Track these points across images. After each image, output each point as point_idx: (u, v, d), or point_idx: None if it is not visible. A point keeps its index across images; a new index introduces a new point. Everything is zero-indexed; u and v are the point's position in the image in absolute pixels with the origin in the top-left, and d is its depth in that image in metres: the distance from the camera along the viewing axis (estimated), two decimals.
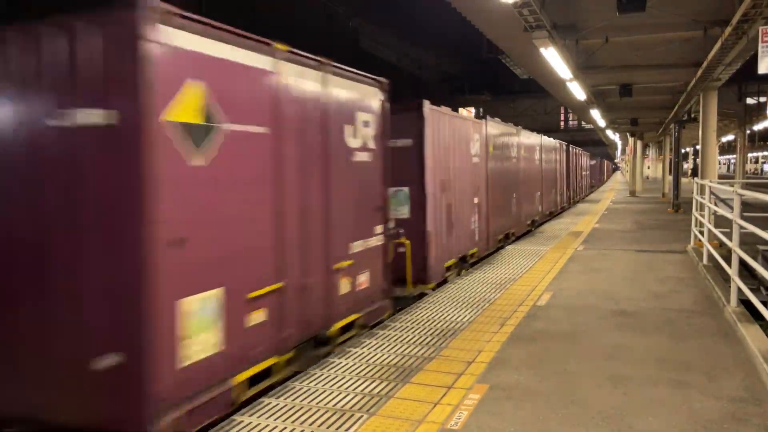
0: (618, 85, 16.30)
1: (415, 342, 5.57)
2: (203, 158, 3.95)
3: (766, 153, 72.37)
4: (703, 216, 9.35)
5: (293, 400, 4.25)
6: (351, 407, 4.10)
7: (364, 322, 6.19)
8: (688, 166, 48.84)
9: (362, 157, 6.17)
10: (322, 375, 4.74)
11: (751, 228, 5.83)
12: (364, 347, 5.43)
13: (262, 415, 4.00)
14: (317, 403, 4.18)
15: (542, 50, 9.89)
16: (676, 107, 20.40)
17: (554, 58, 10.58)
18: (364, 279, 6.17)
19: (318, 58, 5.39)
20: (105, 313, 3.62)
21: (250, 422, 3.89)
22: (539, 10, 8.26)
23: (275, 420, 3.92)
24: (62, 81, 3.72)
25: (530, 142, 16.10)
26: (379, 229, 6.52)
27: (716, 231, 7.98)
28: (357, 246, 6.02)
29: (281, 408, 4.11)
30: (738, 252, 6.10)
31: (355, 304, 5.98)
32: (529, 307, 6.83)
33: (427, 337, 5.70)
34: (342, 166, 5.76)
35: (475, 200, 10.55)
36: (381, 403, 4.16)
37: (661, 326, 5.93)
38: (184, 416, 3.71)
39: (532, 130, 16.72)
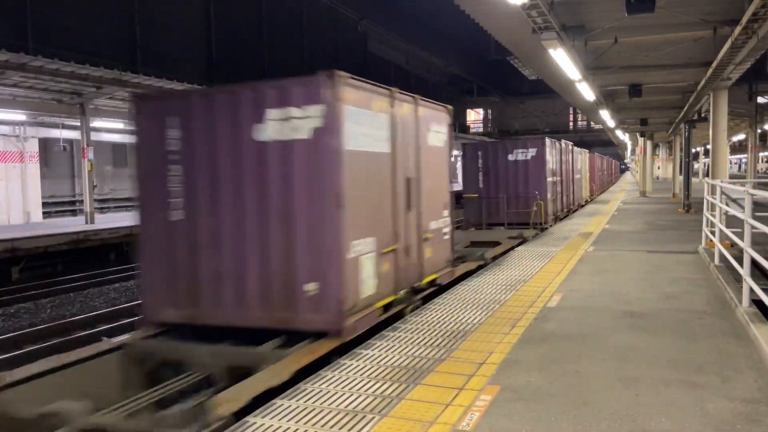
0: (627, 86, 16.26)
1: (425, 343, 5.58)
2: None
3: None
4: (714, 216, 9.31)
5: (305, 401, 4.27)
6: (362, 409, 4.12)
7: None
8: (698, 166, 48.59)
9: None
10: (332, 377, 4.76)
11: (763, 228, 5.80)
12: (374, 348, 5.45)
13: (275, 416, 4.03)
14: (328, 405, 4.20)
15: (551, 51, 9.88)
16: (687, 107, 20.31)
17: (563, 59, 10.57)
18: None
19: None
20: None
21: (263, 423, 3.92)
22: (548, 11, 8.26)
23: (287, 421, 3.94)
24: None
25: None
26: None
27: (728, 231, 7.93)
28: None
29: (293, 409, 4.14)
30: (750, 252, 6.07)
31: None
32: (539, 308, 6.82)
33: (437, 339, 5.71)
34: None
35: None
36: (392, 405, 4.17)
37: (673, 327, 5.91)
38: None
39: (541, 131, 16.63)
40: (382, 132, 6.63)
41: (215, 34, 24.59)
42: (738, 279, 6.94)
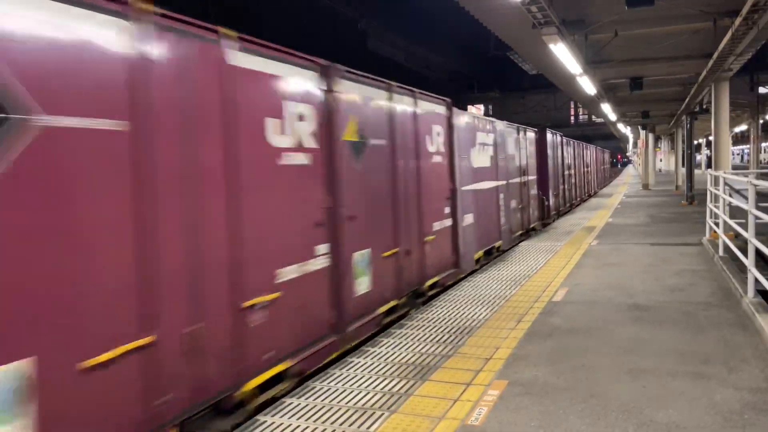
0: (628, 79, 16.25)
1: (432, 340, 5.61)
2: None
3: None
4: (717, 207, 9.31)
5: (314, 399, 4.30)
6: (372, 405, 4.15)
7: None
8: (700, 157, 48.47)
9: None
10: (341, 374, 4.79)
11: (767, 218, 5.81)
12: (382, 346, 5.48)
13: (284, 414, 4.06)
14: (338, 402, 4.23)
15: (551, 46, 9.88)
16: (688, 99, 20.28)
17: (563, 54, 10.57)
18: None
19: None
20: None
21: (273, 422, 3.95)
22: (547, 6, 8.27)
23: (297, 419, 3.97)
24: None
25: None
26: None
27: (731, 222, 7.94)
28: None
29: (302, 407, 4.16)
30: (754, 242, 6.08)
31: None
32: (545, 303, 6.84)
33: (444, 335, 5.74)
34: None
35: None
36: (401, 401, 4.20)
37: (678, 319, 5.92)
38: None
39: (542, 125, 16.66)
40: None
41: None
42: (743, 270, 6.95)
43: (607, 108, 21.72)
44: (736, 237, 8.90)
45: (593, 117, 47.95)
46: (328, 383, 4.61)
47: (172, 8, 3.77)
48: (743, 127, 47.41)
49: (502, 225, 11.17)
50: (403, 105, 7.10)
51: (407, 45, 30.42)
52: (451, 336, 5.71)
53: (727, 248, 8.42)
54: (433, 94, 8.10)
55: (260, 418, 4.03)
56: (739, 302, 6.36)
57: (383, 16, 26.83)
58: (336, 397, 4.33)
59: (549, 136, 16.04)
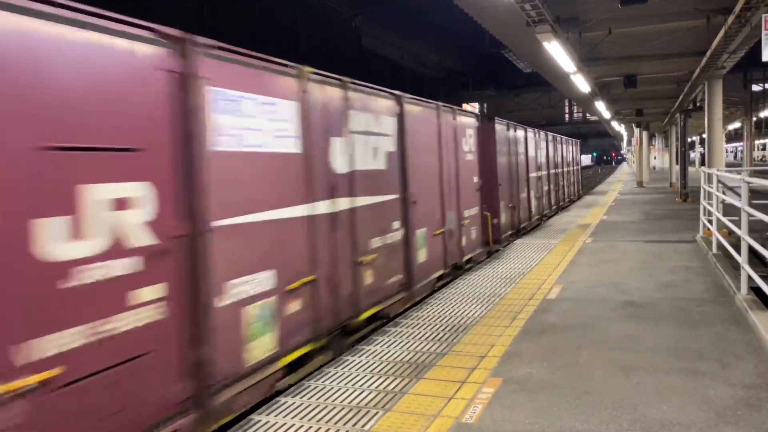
0: (622, 77, 16.28)
1: (427, 338, 5.61)
2: None
3: None
4: (711, 205, 9.34)
5: (309, 398, 4.30)
6: (367, 404, 4.16)
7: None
8: (695, 155, 48.59)
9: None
10: (336, 373, 4.79)
11: (760, 215, 5.84)
12: (376, 344, 5.48)
13: (279, 413, 4.06)
14: (333, 401, 4.23)
15: (545, 44, 9.89)
16: (682, 96, 20.34)
17: (557, 52, 10.58)
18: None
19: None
20: None
21: (267, 421, 3.95)
22: (541, 4, 8.28)
23: (292, 418, 3.98)
24: None
25: None
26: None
27: (725, 219, 7.97)
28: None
29: (297, 406, 4.16)
30: (747, 239, 6.11)
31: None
32: (539, 300, 6.86)
33: (439, 333, 5.74)
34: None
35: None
36: (396, 399, 4.21)
37: (672, 316, 5.95)
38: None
39: (537, 123, 16.59)
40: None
41: (208, 33, 24.45)
42: (736, 267, 6.98)
43: (601, 106, 21.76)
44: (730, 234, 8.94)
45: (588, 115, 48.11)
46: (323, 382, 4.61)
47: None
48: (737, 125, 47.57)
49: None
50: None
51: (402, 43, 30.41)
52: (445, 334, 5.71)
53: (720, 245, 8.45)
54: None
55: (254, 417, 4.03)
56: (733, 299, 6.39)
57: (378, 14, 26.81)
58: (331, 395, 4.34)
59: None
